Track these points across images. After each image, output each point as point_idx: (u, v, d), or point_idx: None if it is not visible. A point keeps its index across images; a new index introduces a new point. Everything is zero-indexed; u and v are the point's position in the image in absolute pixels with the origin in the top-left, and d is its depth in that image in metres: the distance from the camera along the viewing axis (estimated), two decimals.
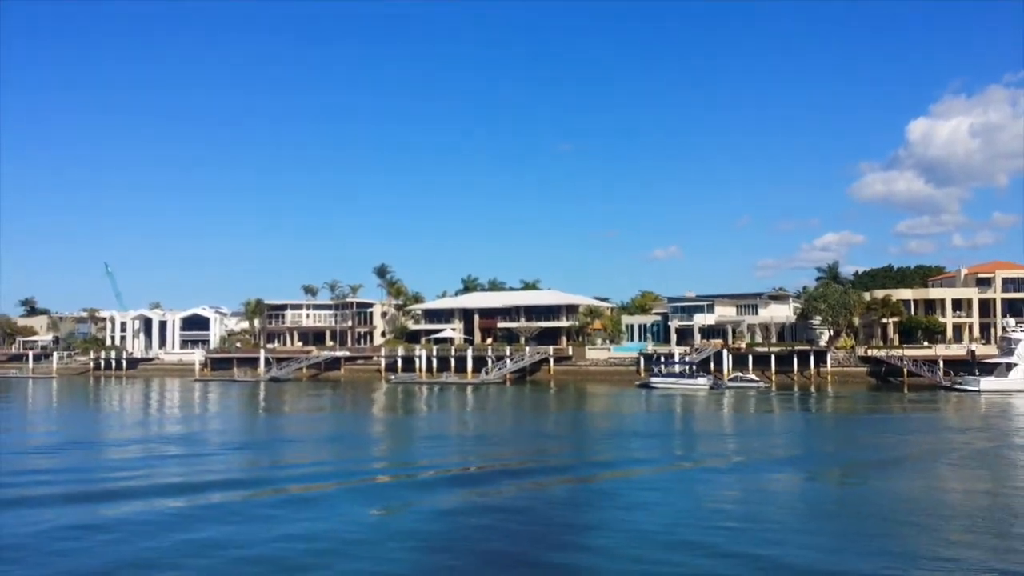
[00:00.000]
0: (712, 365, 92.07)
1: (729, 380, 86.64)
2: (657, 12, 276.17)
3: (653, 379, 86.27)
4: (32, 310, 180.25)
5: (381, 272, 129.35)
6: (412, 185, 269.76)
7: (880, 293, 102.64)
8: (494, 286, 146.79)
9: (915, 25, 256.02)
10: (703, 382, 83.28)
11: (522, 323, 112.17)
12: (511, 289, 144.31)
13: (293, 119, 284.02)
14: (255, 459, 40.64)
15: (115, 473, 35.53)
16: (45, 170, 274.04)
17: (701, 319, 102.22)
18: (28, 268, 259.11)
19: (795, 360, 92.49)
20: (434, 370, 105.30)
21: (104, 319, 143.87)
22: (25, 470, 36.48)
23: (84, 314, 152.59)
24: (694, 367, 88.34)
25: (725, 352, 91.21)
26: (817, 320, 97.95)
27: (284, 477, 35.10)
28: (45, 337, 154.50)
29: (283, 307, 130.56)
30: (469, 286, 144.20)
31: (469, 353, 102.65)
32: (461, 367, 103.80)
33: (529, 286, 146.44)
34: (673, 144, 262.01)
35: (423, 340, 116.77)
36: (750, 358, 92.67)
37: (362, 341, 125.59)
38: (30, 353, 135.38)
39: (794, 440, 48.23)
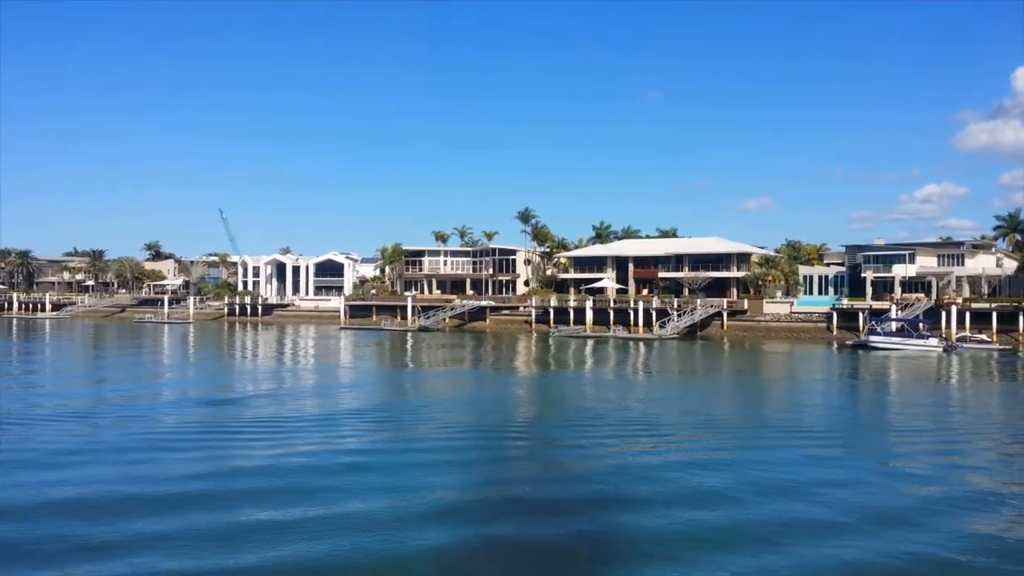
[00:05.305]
0: (920, 323, 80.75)
1: (957, 340, 75.35)
2: None
3: (872, 338, 75.36)
4: (157, 254, 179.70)
5: (525, 217, 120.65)
6: (517, 135, 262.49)
7: None
8: (628, 234, 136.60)
9: None
10: (934, 343, 72.24)
11: (687, 273, 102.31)
12: (647, 237, 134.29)
13: (409, 70, 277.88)
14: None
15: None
16: (168, 115, 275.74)
17: (901, 270, 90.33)
18: (150, 212, 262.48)
19: (1020, 318, 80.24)
20: (588, 322, 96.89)
21: (235, 263, 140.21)
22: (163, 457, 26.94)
23: (215, 258, 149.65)
24: (919, 323, 77.04)
25: (954, 308, 79.43)
26: None
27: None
28: (174, 281, 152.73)
29: (420, 253, 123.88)
30: (601, 233, 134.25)
31: (640, 306, 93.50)
32: (621, 319, 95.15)
33: (667, 234, 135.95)
34: (767, 93, 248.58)
35: (572, 290, 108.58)
36: (967, 315, 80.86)
37: (503, 290, 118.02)
38: (165, 298, 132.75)
39: None
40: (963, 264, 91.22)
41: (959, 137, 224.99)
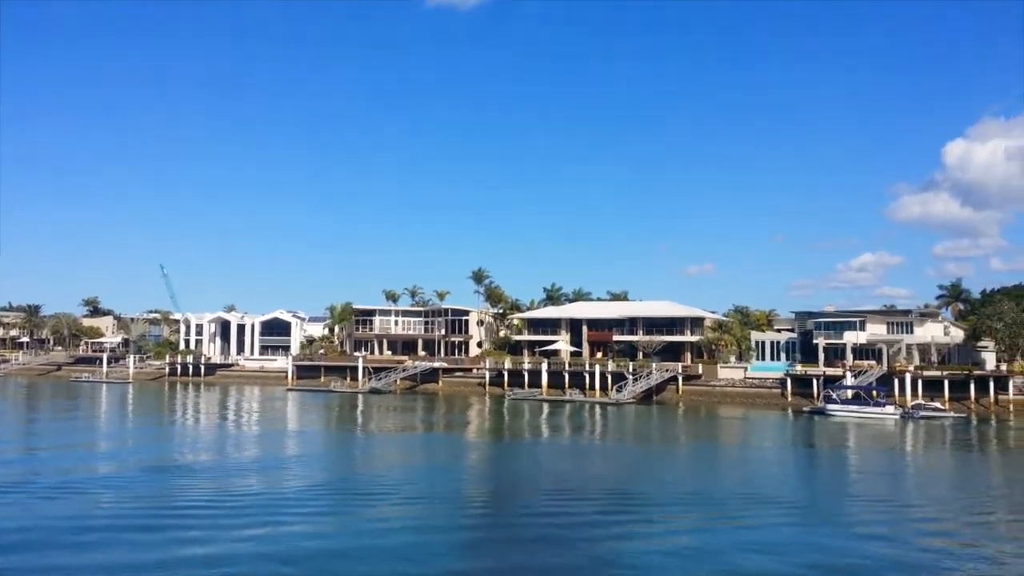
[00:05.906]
0: (874, 390, 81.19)
1: (912, 408, 75.66)
2: (687, 20, 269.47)
3: (829, 406, 75.32)
4: (95, 310, 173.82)
5: (478, 277, 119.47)
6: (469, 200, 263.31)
7: None
8: (579, 296, 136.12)
9: (951, 47, 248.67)
10: (891, 410, 72.39)
11: (642, 336, 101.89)
12: (598, 299, 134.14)
13: (359, 130, 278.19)
14: None
15: None
16: (105, 169, 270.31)
17: (852, 337, 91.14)
18: (88, 267, 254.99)
19: (972, 386, 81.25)
20: (544, 386, 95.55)
21: (177, 321, 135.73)
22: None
23: (156, 315, 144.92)
24: (873, 390, 77.34)
25: (907, 376, 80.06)
26: (987, 342, 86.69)
27: None
28: (113, 339, 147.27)
29: (371, 313, 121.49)
30: (553, 295, 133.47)
31: (596, 369, 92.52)
32: (577, 383, 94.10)
33: (618, 297, 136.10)
34: (712, 162, 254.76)
35: (526, 352, 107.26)
36: (919, 382, 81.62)
37: (456, 351, 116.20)
38: (103, 356, 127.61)
39: None
40: (912, 332, 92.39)
41: (893, 208, 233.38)
